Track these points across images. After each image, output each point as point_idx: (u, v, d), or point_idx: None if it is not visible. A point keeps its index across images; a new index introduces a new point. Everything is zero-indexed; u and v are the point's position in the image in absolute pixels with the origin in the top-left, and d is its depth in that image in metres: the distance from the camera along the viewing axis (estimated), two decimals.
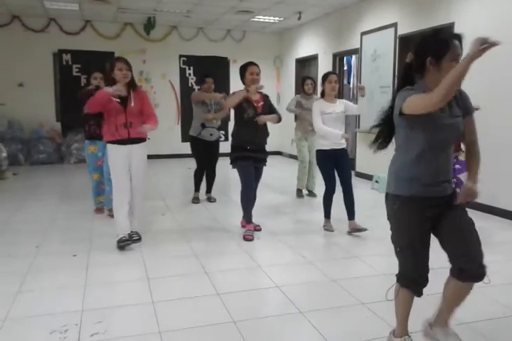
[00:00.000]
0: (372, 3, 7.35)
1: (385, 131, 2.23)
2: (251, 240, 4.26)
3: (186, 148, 9.12)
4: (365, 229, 4.45)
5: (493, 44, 1.66)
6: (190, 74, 10.36)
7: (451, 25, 5.74)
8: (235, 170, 4.38)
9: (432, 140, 2.01)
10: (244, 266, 3.66)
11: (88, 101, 3.85)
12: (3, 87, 9.18)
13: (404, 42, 6.69)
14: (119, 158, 3.96)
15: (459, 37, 2.01)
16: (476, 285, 2.16)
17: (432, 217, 2.10)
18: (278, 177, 7.52)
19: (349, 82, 9.27)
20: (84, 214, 5.16)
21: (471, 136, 2.15)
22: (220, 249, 4.13)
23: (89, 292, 3.08)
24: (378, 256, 3.89)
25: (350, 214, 4.52)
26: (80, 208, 5.44)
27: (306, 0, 7.62)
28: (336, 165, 4.48)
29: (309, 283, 3.32)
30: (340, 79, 8.77)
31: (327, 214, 4.61)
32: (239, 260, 3.81)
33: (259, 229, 4.50)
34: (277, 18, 9.24)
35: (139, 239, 4.09)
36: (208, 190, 5.93)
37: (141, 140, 4.04)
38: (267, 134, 4.41)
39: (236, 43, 10.63)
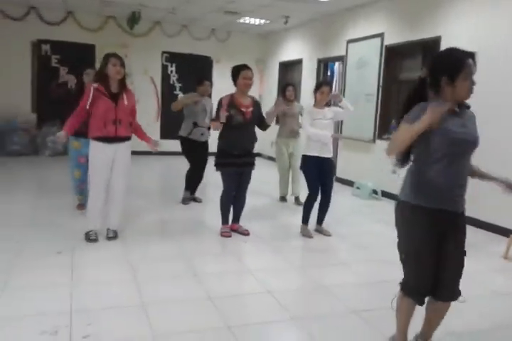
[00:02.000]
0: (360, 12, 7.44)
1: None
2: (229, 237, 4.33)
3: (166, 145, 9.03)
4: (329, 235, 4.62)
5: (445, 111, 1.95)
6: (172, 71, 10.24)
7: (437, 39, 5.87)
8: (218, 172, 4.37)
9: (446, 152, 2.05)
10: (233, 270, 3.64)
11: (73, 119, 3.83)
12: None
13: (390, 52, 6.82)
14: (101, 155, 3.89)
15: (472, 55, 2.06)
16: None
17: (439, 232, 2.13)
18: (258, 179, 7.51)
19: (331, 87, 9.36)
20: (64, 210, 5.03)
21: None
22: (209, 250, 4.10)
23: (78, 292, 3.00)
24: (363, 262, 3.94)
25: (320, 220, 4.69)
26: (59, 203, 5.29)
27: (294, 5, 7.64)
28: (320, 174, 4.50)
29: (299, 289, 3.34)
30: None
31: (305, 220, 4.63)
32: (228, 263, 3.79)
33: (248, 234, 4.49)
34: (263, 21, 9.24)
35: (115, 237, 4.10)
36: (192, 191, 5.87)
37: (127, 138, 3.98)
38: (254, 139, 4.37)
39: (220, 43, 10.57)
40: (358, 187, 6.78)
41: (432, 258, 2.14)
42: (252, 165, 4.40)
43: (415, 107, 2.09)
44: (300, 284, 3.47)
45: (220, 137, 4.33)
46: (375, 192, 6.61)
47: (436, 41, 5.90)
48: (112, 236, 4.12)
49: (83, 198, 4.94)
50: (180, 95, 5.90)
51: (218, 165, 4.29)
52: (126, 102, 3.88)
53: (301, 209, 4.72)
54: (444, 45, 5.77)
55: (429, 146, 2.06)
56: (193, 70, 9.95)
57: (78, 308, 2.76)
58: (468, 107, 2.15)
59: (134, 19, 9.33)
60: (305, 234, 4.57)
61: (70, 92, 7.70)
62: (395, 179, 6.33)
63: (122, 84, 3.92)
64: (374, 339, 2.57)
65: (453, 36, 5.66)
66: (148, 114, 9.90)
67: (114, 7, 8.72)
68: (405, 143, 2.04)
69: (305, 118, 4.55)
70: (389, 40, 6.77)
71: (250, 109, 4.23)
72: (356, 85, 7.50)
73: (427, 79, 2.13)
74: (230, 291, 3.17)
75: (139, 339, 2.47)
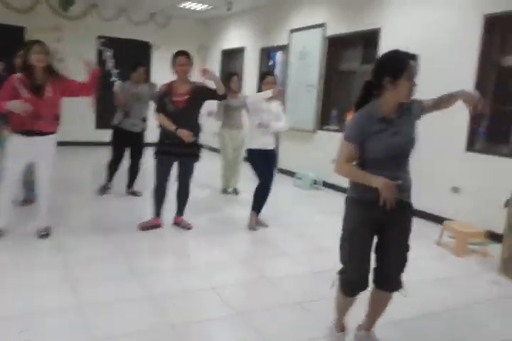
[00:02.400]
0: (303, 1, 7.43)
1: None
2: (144, 229, 4.24)
3: (101, 135, 8.71)
4: (266, 226, 4.63)
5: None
6: (108, 56, 9.80)
7: (377, 30, 5.98)
8: None
9: (380, 157, 2.15)
10: (174, 266, 3.55)
11: None
12: None
13: (332, 43, 6.87)
14: (19, 149, 3.66)
15: (414, 57, 2.15)
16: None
17: (375, 222, 2.21)
18: (200, 171, 7.41)
19: None
20: None
21: None
22: (148, 247, 3.98)
23: (8, 297, 2.81)
24: (306, 253, 3.98)
25: (259, 209, 4.60)
26: None
27: None
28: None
29: (243, 283, 3.31)
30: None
31: (258, 210, 4.57)
32: (168, 259, 3.70)
33: (190, 228, 4.39)
34: (206, 6, 9.03)
35: (47, 235, 3.91)
36: (130, 184, 5.68)
37: (49, 133, 3.75)
38: (193, 128, 4.12)
39: (160, 28, 10.25)
40: (299, 178, 6.84)
41: (363, 244, 2.22)
42: (191, 156, 4.23)
43: (355, 117, 2.18)
44: (243, 277, 3.44)
45: (159, 126, 4.22)
46: (315, 182, 6.70)
47: (376, 33, 6.01)
48: (44, 233, 3.90)
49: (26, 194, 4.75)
50: (117, 83, 5.60)
51: (154, 154, 4.20)
52: (50, 94, 3.62)
53: (240, 199, 4.68)
54: (383, 37, 5.89)
55: (363, 151, 2.17)
56: (131, 56, 9.56)
57: (8, 315, 2.59)
58: (405, 109, 2.18)
59: (67, 1, 8.82)
60: (252, 226, 4.51)
61: None
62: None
63: (48, 72, 3.65)
64: (319, 329, 2.59)
65: (392, 28, 5.78)
66: (82, 102, 9.43)
67: None
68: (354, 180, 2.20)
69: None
70: (330, 31, 6.82)
71: (186, 97, 4.05)
72: (298, 75, 7.51)
73: (371, 82, 2.20)
74: (172, 289, 3.08)
75: None
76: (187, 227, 4.39)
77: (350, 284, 2.28)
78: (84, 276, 3.19)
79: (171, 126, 4.01)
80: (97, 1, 9.28)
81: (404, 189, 2.19)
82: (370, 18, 6.12)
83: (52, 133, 3.77)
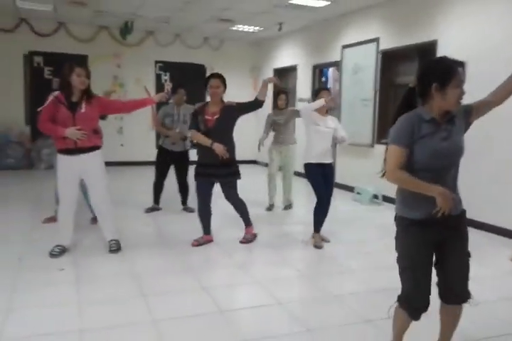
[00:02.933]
0: (354, 18, 7.46)
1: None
2: (196, 245, 4.32)
3: None
4: (328, 241, 4.59)
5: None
6: (166, 80, 10.21)
7: (433, 43, 5.89)
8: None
9: (428, 165, 2.05)
10: (240, 281, 3.57)
11: (44, 125, 3.76)
12: None
13: (387, 57, 6.83)
14: (66, 168, 3.84)
15: (461, 64, 2.08)
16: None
17: (434, 241, 2.11)
18: (250, 188, 7.48)
19: None
20: None
21: None
22: (214, 262, 4.04)
23: (86, 310, 2.92)
24: (368, 269, 3.89)
25: (320, 226, 4.54)
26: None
27: (288, 12, 7.64)
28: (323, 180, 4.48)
29: (310, 299, 3.28)
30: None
31: (318, 228, 4.55)
32: (235, 275, 3.72)
33: (255, 235, 4.55)
34: (257, 28, 9.24)
35: (117, 250, 4.06)
36: (183, 202, 5.83)
37: (92, 148, 3.87)
38: (226, 146, 4.14)
39: (213, 51, 10.56)
40: (358, 193, 6.75)
41: (426, 270, 2.11)
42: (230, 175, 4.29)
43: (401, 119, 2.09)
44: (310, 294, 3.41)
45: (195, 143, 4.39)
46: (375, 197, 6.58)
47: (432, 45, 5.91)
48: (114, 248, 4.05)
49: None
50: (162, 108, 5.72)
51: (194, 176, 4.35)
52: (83, 110, 3.78)
53: (294, 214, 4.66)
54: (440, 49, 5.78)
55: (412, 158, 2.06)
56: (187, 79, 9.94)
57: (87, 328, 2.69)
58: (452, 117, 2.10)
59: (126, 29, 9.29)
60: (317, 243, 4.46)
61: None
62: None
63: (85, 93, 3.83)
64: None
65: (449, 40, 5.67)
66: (142, 124, 9.83)
67: (106, 17, 8.68)
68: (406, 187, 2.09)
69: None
70: (384, 45, 6.78)
71: (216, 116, 4.17)
72: (352, 90, 7.49)
73: (415, 88, 2.13)
74: (241, 304, 3.10)
75: None
76: (243, 241, 4.48)
77: (415, 311, 2.18)
78: (155, 290, 3.27)
79: (205, 141, 4.11)
80: (153, 29, 9.70)
81: (458, 202, 2.11)
82: (425, 30, 6.04)
83: (94, 148, 3.90)
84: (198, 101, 5.69)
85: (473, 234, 2.24)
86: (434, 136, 2.03)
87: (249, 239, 4.51)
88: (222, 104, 4.26)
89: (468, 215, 2.22)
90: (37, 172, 8.68)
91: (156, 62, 10.13)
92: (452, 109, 2.06)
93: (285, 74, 9.98)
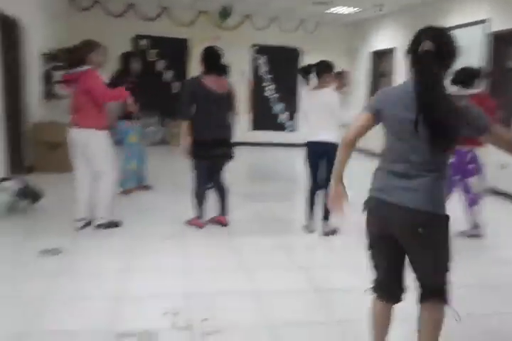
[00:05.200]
0: None
1: None
2: (200, 226, 4.21)
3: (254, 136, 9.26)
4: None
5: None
6: (261, 63, 10.37)
7: None
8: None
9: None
10: (336, 264, 3.66)
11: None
12: None
13: (497, 39, 6.42)
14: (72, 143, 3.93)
15: None
16: None
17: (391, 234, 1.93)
18: None
19: None
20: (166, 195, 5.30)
21: None
22: (308, 244, 4.16)
23: (192, 277, 3.18)
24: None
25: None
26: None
27: None
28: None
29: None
30: None
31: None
32: (333, 257, 3.80)
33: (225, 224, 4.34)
34: (355, 9, 9.04)
35: (103, 225, 4.02)
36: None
37: (86, 126, 3.86)
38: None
39: (308, 34, 10.52)
40: None
41: (382, 254, 2.01)
42: (223, 157, 4.19)
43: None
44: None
45: None
46: None
47: None
48: (100, 223, 4.05)
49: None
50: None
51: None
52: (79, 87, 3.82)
53: None
54: None
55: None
56: (282, 62, 10.08)
57: (195, 292, 2.93)
58: None
59: (225, 13, 9.52)
60: (327, 231, 4.25)
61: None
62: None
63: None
64: None
65: None
66: (239, 106, 10.07)
67: (206, 1, 8.95)
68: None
69: None
70: (495, 27, 6.37)
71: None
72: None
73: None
74: (336, 285, 3.18)
75: (253, 327, 2.55)
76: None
77: (379, 289, 2.07)
78: (254, 264, 3.47)
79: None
80: (251, 12, 9.84)
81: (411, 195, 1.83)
82: None
83: (89, 126, 3.88)
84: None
85: None
86: None
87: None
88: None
89: None
90: None
91: (253, 45, 10.30)
92: None
93: (382, 57, 9.71)
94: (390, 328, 2.13)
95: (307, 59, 10.27)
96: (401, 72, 8.68)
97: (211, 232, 4.18)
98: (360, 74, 10.27)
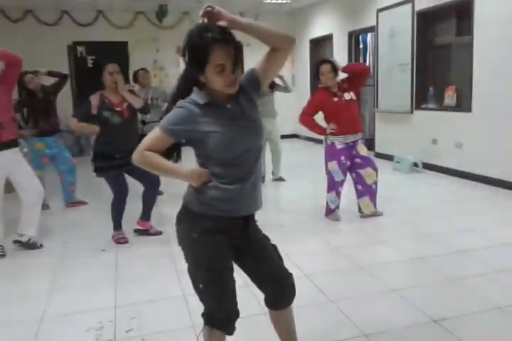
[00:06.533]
0: None
1: None
2: (125, 243, 4.04)
3: None
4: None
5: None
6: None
7: (470, 1, 5.57)
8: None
9: None
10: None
11: None
12: None
13: (423, 18, 6.53)
14: None
15: None
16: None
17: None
18: (297, 160, 7.56)
19: (365, 60, 9.07)
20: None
21: None
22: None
23: (120, 288, 3.16)
24: (404, 240, 3.88)
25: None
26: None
27: None
28: None
29: (337, 271, 3.33)
30: (357, 59, 8.62)
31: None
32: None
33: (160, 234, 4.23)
34: None
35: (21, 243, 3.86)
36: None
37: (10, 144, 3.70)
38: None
39: None
40: (398, 161, 6.61)
41: (230, 273, 1.83)
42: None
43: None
44: (338, 265, 3.45)
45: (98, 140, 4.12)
46: (416, 165, 6.43)
47: (469, 4, 5.60)
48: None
49: None
50: None
51: (99, 170, 3.97)
52: None
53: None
54: (477, 7, 5.47)
55: None
56: None
57: (123, 303, 2.91)
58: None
59: (162, 12, 9.40)
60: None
61: None
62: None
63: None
64: (416, 317, 2.57)
65: None
66: None
67: (141, 2, 8.82)
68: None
69: None
70: (419, 6, 6.48)
71: (125, 105, 3.95)
72: (390, 55, 7.26)
73: None
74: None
75: (183, 330, 2.55)
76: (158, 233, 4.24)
77: (227, 323, 1.87)
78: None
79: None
80: (188, 9, 9.73)
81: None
82: None
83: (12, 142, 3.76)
84: None
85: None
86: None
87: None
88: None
89: None
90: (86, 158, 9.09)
91: None
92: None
93: (321, 44, 9.76)
94: None
95: (249, 51, 10.25)
96: (340, 57, 8.76)
97: (149, 240, 4.15)
98: (304, 61, 10.30)
